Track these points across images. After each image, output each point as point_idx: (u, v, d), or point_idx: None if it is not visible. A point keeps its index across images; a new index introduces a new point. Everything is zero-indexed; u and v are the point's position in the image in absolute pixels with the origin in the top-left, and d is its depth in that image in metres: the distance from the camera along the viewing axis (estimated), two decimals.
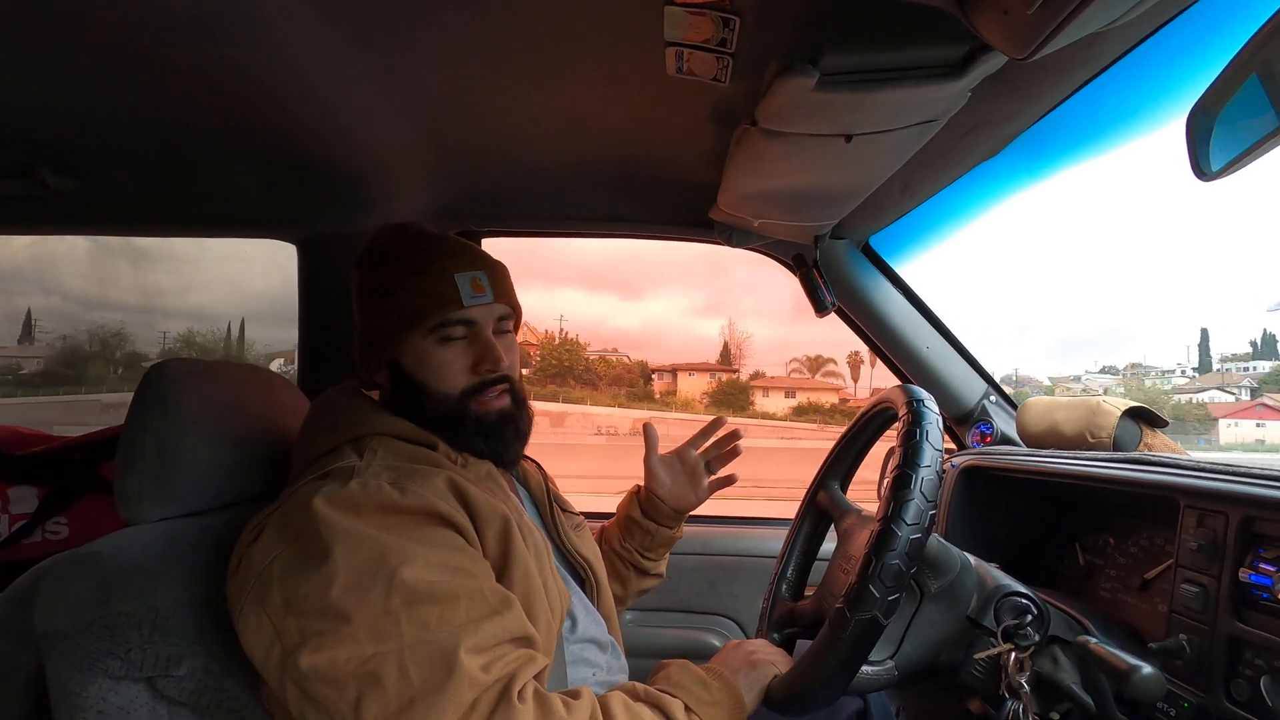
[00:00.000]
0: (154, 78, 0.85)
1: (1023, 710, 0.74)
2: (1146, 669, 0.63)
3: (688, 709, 0.72)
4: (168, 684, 0.67)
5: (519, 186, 1.29)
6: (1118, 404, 1.17)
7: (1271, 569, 0.67)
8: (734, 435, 1.11)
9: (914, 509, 0.68)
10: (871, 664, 0.76)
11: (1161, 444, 1.16)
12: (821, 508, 0.97)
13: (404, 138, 1.05)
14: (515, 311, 0.90)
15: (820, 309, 1.34)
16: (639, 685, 0.74)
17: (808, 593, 1.00)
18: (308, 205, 1.30)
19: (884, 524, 0.68)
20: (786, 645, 0.93)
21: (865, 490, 1.11)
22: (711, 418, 1.12)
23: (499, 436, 0.85)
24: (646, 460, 1.10)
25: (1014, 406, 1.43)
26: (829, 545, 0.98)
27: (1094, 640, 0.72)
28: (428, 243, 0.87)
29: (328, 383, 0.92)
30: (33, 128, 1.00)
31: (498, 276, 0.87)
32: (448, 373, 0.83)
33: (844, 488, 0.98)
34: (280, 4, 0.72)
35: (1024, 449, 1.30)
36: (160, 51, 0.79)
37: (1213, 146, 0.61)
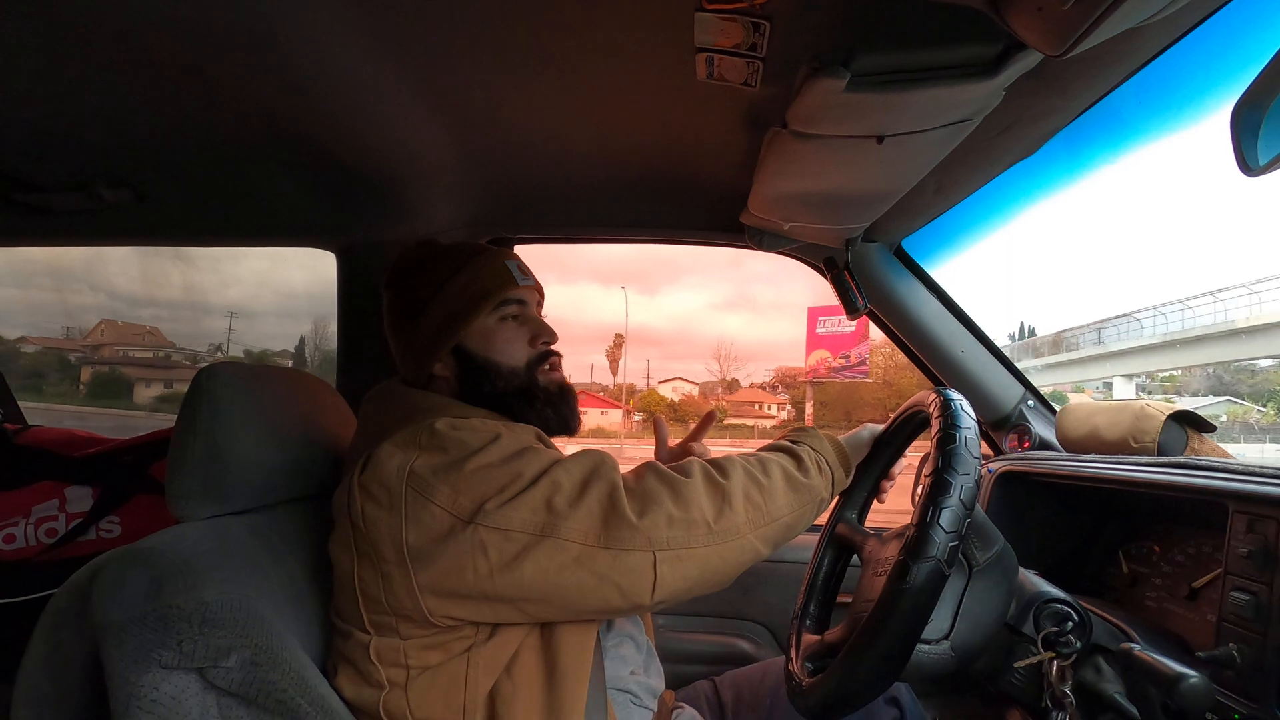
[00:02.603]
0: (205, 95, 0.89)
1: None
2: (1194, 677, 0.62)
3: (794, 441, 0.87)
4: (217, 674, 0.69)
5: (551, 193, 1.30)
6: (1162, 408, 1.14)
7: None
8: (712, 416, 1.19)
9: (964, 461, 0.69)
10: (926, 643, 0.75)
11: (1209, 449, 1.12)
12: (842, 540, 0.96)
13: (440, 147, 1.08)
14: (543, 296, 1.00)
15: (852, 312, 1.33)
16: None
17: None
18: (348, 214, 1.33)
19: (936, 475, 0.69)
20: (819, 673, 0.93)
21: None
22: (706, 413, 1.16)
23: (566, 404, 0.93)
24: (656, 453, 1.12)
25: (1052, 411, 1.40)
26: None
27: (1138, 647, 0.70)
28: (465, 243, 0.96)
29: (366, 385, 0.94)
30: (91, 144, 1.05)
31: (525, 265, 0.97)
32: (513, 347, 0.91)
33: (861, 519, 0.97)
34: (327, 24, 0.74)
35: (1063, 454, 1.27)
36: (211, 69, 0.82)
37: (1260, 141, 0.59)
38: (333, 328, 1.47)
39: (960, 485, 0.67)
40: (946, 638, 0.76)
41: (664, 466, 0.78)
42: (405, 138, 1.04)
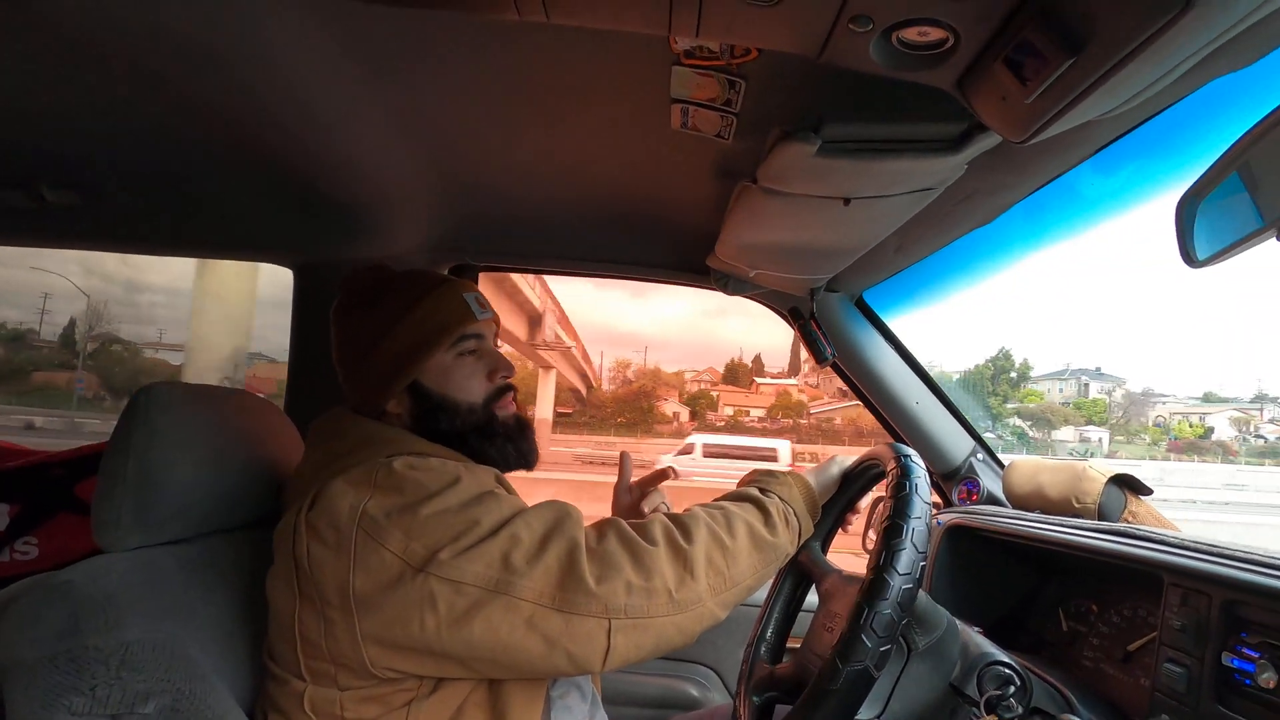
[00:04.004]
0: (160, 100, 0.85)
1: None
2: None
3: (763, 490, 0.85)
4: None
5: (519, 224, 1.30)
6: (1103, 470, 1.18)
7: (1254, 655, 0.67)
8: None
9: (906, 559, 0.68)
10: None
11: (1145, 511, 1.16)
12: (802, 568, 0.96)
13: (408, 170, 1.06)
14: (500, 327, 0.97)
15: (820, 360, 1.35)
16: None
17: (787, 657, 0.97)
18: (307, 232, 1.30)
19: (876, 573, 0.68)
20: (765, 710, 0.91)
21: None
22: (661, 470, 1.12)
23: (523, 438, 0.91)
24: (616, 487, 1.10)
25: (1001, 465, 1.44)
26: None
27: None
28: (421, 272, 0.92)
29: (317, 408, 0.91)
30: (34, 143, 1.00)
31: (484, 297, 0.93)
32: (471, 383, 0.88)
33: (825, 548, 0.97)
34: (292, 35, 0.73)
35: (1009, 509, 1.30)
36: (168, 75, 0.79)
37: (1201, 235, 0.62)
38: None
39: (899, 587, 0.67)
40: (879, 716, 0.77)
41: (627, 526, 0.75)
42: (373, 159, 1.02)
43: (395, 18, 0.69)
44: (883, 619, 0.66)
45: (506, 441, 0.89)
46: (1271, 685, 0.64)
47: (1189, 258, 0.63)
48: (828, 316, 1.38)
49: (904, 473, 0.76)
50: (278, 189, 1.13)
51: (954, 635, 0.81)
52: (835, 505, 0.96)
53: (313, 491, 0.73)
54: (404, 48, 0.75)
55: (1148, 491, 1.19)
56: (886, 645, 0.66)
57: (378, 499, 0.70)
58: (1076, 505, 1.17)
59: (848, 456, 0.96)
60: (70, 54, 0.76)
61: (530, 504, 0.77)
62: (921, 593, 0.78)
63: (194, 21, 0.69)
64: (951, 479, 1.45)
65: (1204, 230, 0.61)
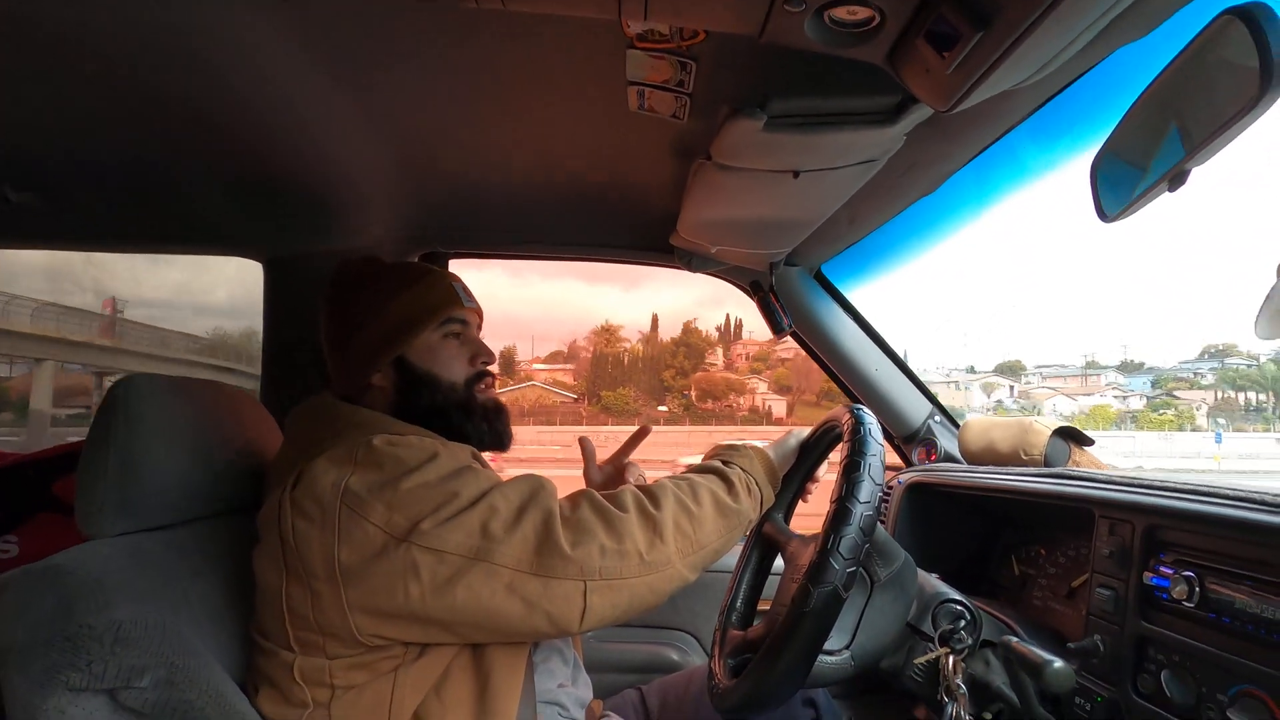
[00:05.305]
0: (123, 94, 0.86)
1: (959, 711, 0.79)
2: (1058, 662, 0.69)
3: (725, 462, 0.90)
4: (130, 696, 0.67)
5: (487, 211, 1.32)
6: (1048, 424, 1.25)
7: (1170, 572, 0.73)
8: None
9: (866, 489, 0.74)
10: (829, 654, 0.80)
11: (1088, 460, 1.24)
12: (767, 538, 1.01)
13: (375, 161, 1.08)
14: (482, 319, 1.01)
15: (777, 332, 1.40)
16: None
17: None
18: (276, 225, 1.31)
19: (839, 503, 0.73)
20: (740, 669, 0.97)
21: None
22: (638, 428, 1.17)
23: (501, 421, 0.96)
24: (585, 472, 1.15)
25: (956, 426, 1.51)
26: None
27: (1016, 640, 0.78)
28: (411, 263, 0.99)
29: (292, 399, 0.93)
30: None
31: (469, 289, 0.98)
32: (454, 364, 0.93)
33: (787, 519, 1.02)
34: (256, 26, 0.74)
35: (964, 466, 1.37)
36: (130, 68, 0.80)
37: (1110, 192, 0.68)
38: None
39: (860, 513, 0.72)
40: (847, 648, 0.82)
41: (599, 496, 0.80)
42: (341, 150, 1.04)
43: (358, 7, 0.71)
44: (848, 542, 0.71)
45: (484, 421, 0.93)
46: (1184, 597, 0.71)
47: (1102, 213, 0.69)
48: (787, 289, 1.43)
49: (858, 421, 0.81)
50: (245, 182, 1.13)
51: (911, 570, 0.87)
52: (795, 475, 1.01)
53: (296, 471, 0.76)
54: (368, 38, 0.77)
55: (1089, 442, 1.27)
56: (852, 566, 0.71)
57: (359, 474, 0.73)
58: (1024, 457, 1.24)
59: (804, 429, 1.01)
60: (28, 48, 0.76)
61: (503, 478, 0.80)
62: (880, 528, 0.84)
63: (155, 11, 0.70)
64: (911, 441, 1.52)
65: (1112, 187, 0.66)
